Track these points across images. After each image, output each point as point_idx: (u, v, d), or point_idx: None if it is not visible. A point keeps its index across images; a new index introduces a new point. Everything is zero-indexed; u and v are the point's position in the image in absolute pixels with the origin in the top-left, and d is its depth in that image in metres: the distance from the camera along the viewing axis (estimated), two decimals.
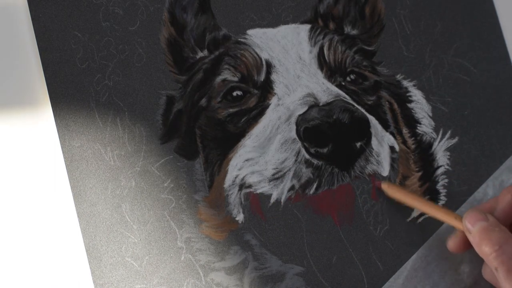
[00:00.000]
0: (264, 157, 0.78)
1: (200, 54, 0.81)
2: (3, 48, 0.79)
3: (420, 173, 0.82)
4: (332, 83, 0.80)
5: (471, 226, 0.74)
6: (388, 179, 0.81)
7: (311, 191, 0.78)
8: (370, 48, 0.84)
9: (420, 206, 0.79)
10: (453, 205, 0.82)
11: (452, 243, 0.78)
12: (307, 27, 0.82)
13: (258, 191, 0.78)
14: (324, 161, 0.77)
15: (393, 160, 0.81)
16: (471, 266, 0.81)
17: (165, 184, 0.78)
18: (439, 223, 0.81)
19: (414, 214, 0.81)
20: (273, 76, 0.80)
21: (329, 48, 0.81)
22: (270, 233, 0.79)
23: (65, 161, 0.77)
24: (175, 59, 0.80)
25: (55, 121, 0.77)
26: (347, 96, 0.79)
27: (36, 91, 0.78)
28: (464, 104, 0.84)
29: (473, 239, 0.74)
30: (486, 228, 0.73)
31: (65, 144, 0.77)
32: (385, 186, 0.80)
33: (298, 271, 0.79)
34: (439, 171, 0.83)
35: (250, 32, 0.82)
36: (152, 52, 0.80)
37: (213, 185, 0.79)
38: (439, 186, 0.82)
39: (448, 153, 0.83)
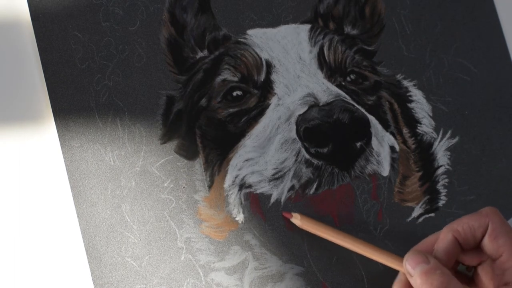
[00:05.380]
0: (264, 157, 0.78)
1: (200, 54, 0.81)
2: (3, 49, 0.79)
3: (420, 173, 0.82)
4: (332, 83, 0.80)
5: (412, 269, 0.72)
6: (388, 179, 0.81)
7: (311, 191, 0.78)
8: (370, 48, 0.83)
9: (339, 242, 0.76)
10: (453, 205, 0.82)
11: (396, 287, 0.75)
12: (307, 27, 0.82)
13: (258, 191, 0.78)
14: (324, 161, 0.77)
15: (393, 160, 0.81)
16: None
17: (165, 184, 0.78)
18: (439, 223, 0.81)
19: (414, 214, 0.81)
20: (273, 76, 0.80)
21: (329, 48, 0.81)
22: (270, 233, 0.79)
23: (65, 161, 0.77)
24: (175, 59, 0.80)
25: (55, 121, 0.77)
26: (347, 96, 0.79)
27: (36, 92, 0.78)
28: (464, 104, 0.84)
29: (414, 283, 0.71)
30: (427, 271, 0.71)
31: (65, 144, 0.77)
32: (297, 220, 0.78)
33: (298, 271, 0.79)
34: (440, 171, 0.83)
35: (250, 32, 0.82)
36: (152, 52, 0.80)
37: (213, 185, 0.79)
38: (439, 186, 0.82)
39: (449, 153, 0.83)
